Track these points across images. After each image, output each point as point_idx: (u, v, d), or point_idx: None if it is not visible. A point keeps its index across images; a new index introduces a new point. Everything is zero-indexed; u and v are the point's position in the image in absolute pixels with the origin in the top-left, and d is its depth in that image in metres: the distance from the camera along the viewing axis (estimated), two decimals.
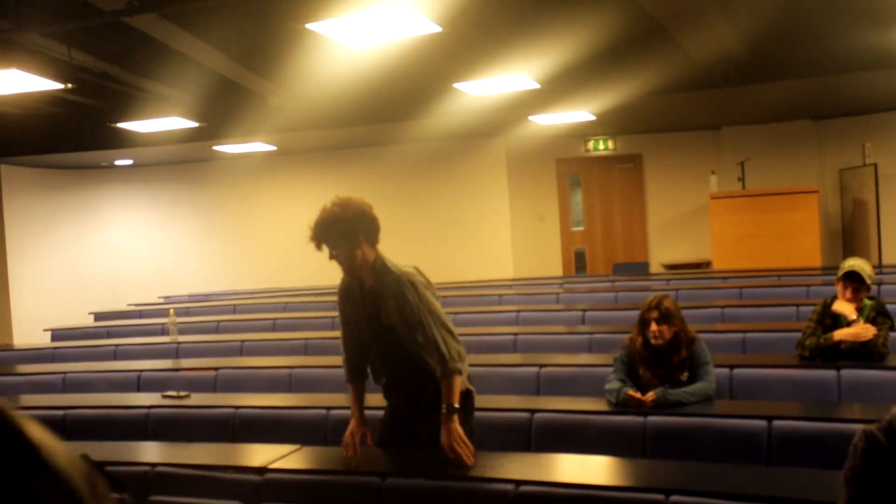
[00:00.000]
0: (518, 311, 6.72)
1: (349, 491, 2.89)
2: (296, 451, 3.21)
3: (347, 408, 3.25)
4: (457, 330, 3.05)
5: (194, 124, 8.65)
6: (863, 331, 3.83)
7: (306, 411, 3.93)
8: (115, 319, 9.03)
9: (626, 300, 6.96)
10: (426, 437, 3.03)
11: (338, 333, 3.27)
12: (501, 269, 11.29)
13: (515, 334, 5.61)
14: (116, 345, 6.60)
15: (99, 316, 9.47)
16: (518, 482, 2.65)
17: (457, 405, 2.86)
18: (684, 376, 3.57)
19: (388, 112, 9.16)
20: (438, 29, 5.22)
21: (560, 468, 2.99)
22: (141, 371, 5.33)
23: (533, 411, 3.56)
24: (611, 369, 3.68)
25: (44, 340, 8.03)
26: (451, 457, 2.82)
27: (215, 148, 10.71)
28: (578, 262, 11.79)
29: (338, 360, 3.29)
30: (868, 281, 3.90)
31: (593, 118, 9.35)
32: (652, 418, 3.35)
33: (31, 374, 5.77)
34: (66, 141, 10.18)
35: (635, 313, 3.75)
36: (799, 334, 4.07)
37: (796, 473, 2.74)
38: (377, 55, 6.45)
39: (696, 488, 2.48)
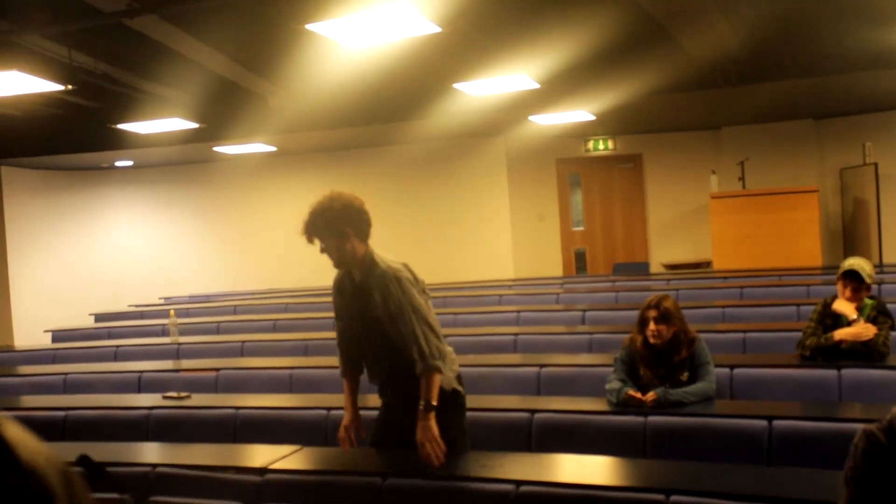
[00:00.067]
0: (518, 312, 6.72)
1: (350, 491, 2.89)
2: (296, 451, 3.21)
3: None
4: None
5: (194, 125, 8.66)
6: (863, 330, 3.82)
7: (307, 412, 3.93)
8: (116, 320, 9.03)
9: (627, 300, 6.96)
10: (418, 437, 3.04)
11: None
12: (501, 270, 11.29)
13: (516, 334, 5.61)
14: (117, 346, 6.60)
15: (99, 317, 9.48)
16: (518, 482, 2.65)
17: (434, 402, 2.88)
18: (685, 376, 3.57)
19: (388, 112, 9.16)
20: (438, 29, 5.22)
21: (560, 468, 2.99)
22: (142, 372, 5.33)
23: (533, 411, 3.56)
24: (611, 369, 3.68)
25: (44, 341, 8.04)
26: (420, 452, 2.85)
27: (215, 149, 10.71)
28: (579, 263, 11.79)
29: (338, 360, 3.30)
30: (868, 280, 3.89)
31: (593, 118, 9.35)
32: (652, 418, 3.35)
33: (31, 376, 5.77)
34: (66, 142, 10.18)
35: (636, 313, 3.75)
36: (799, 334, 4.07)
37: (797, 473, 2.74)
38: (377, 56, 6.45)
39: (696, 488, 2.48)
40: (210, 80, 7.71)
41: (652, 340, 3.59)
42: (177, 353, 6.24)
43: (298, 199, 3.10)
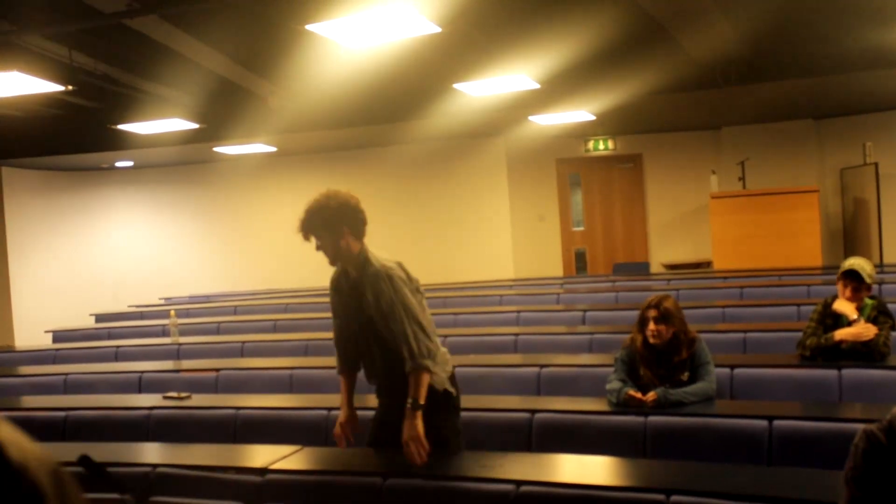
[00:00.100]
0: (518, 312, 6.72)
1: (350, 491, 2.89)
2: (297, 451, 3.21)
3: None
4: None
5: (194, 126, 8.66)
6: (864, 330, 3.82)
7: (307, 412, 3.93)
8: (116, 321, 9.03)
9: (627, 300, 6.96)
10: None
11: None
12: (502, 270, 11.29)
13: (516, 335, 5.61)
14: (117, 346, 6.61)
15: (100, 317, 9.48)
16: (519, 482, 2.65)
17: (422, 401, 2.91)
18: (685, 376, 3.57)
19: (389, 113, 9.17)
20: (438, 29, 5.22)
21: (561, 468, 2.99)
22: (142, 372, 5.33)
23: (533, 411, 3.56)
24: (611, 369, 3.68)
25: (45, 342, 8.04)
26: (404, 450, 2.88)
27: (216, 149, 10.71)
28: (579, 263, 11.79)
29: (336, 359, 3.31)
30: (868, 280, 3.89)
31: (593, 118, 9.35)
32: (652, 418, 3.35)
33: (32, 376, 5.77)
34: (66, 143, 10.19)
35: (636, 313, 3.75)
36: (800, 334, 4.07)
37: (797, 473, 2.74)
38: (377, 56, 6.45)
39: (696, 488, 2.48)
40: (210, 80, 7.71)
41: (651, 340, 3.59)
42: (177, 353, 6.24)
43: (299, 199, 3.12)
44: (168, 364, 5.71)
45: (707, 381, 3.54)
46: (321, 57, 6.39)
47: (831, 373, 3.81)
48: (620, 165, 11.66)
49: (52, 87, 6.37)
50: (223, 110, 8.83)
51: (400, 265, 3.06)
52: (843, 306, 3.92)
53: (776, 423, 3.12)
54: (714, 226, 9.63)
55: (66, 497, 0.85)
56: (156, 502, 2.92)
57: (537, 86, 7.27)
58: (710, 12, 6.45)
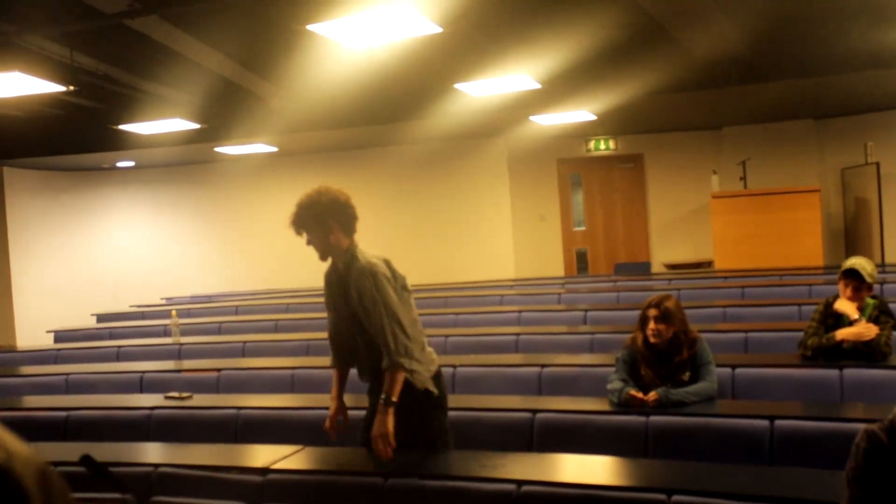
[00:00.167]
0: (520, 312, 6.72)
1: (351, 491, 2.90)
2: (298, 451, 3.21)
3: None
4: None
5: (196, 126, 8.66)
6: (865, 330, 3.82)
7: (308, 412, 3.93)
8: (118, 321, 9.04)
9: (628, 300, 6.96)
10: (404, 431, 3.09)
11: None
12: (503, 270, 11.29)
13: (517, 334, 5.61)
14: (119, 346, 6.61)
15: (101, 317, 9.49)
16: (520, 482, 2.65)
17: (394, 399, 2.96)
18: (686, 376, 3.57)
19: (389, 113, 9.17)
20: (439, 30, 5.22)
21: (562, 468, 2.99)
22: (143, 372, 5.34)
23: (535, 411, 3.56)
24: (612, 369, 3.68)
25: (47, 342, 8.05)
26: (373, 446, 2.95)
27: (217, 149, 10.72)
28: (580, 263, 11.79)
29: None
30: (869, 280, 3.89)
31: (594, 118, 9.35)
32: (654, 418, 3.35)
33: (34, 376, 5.77)
34: (68, 143, 10.19)
35: (637, 313, 3.75)
36: (801, 334, 4.06)
37: (798, 473, 2.73)
38: (378, 56, 6.45)
39: (697, 488, 2.48)
40: (211, 80, 7.72)
41: (652, 340, 3.59)
42: (178, 353, 6.24)
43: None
44: (169, 364, 5.71)
45: (708, 381, 3.54)
46: (322, 57, 6.39)
47: (833, 373, 3.80)
48: (621, 165, 11.65)
49: (53, 87, 6.37)
50: (224, 110, 8.83)
51: (387, 263, 3.10)
52: (845, 306, 3.92)
53: (777, 422, 3.12)
54: (715, 226, 9.63)
55: (51, 497, 0.84)
56: (157, 502, 2.92)
57: (538, 86, 7.27)
58: (711, 12, 6.45)
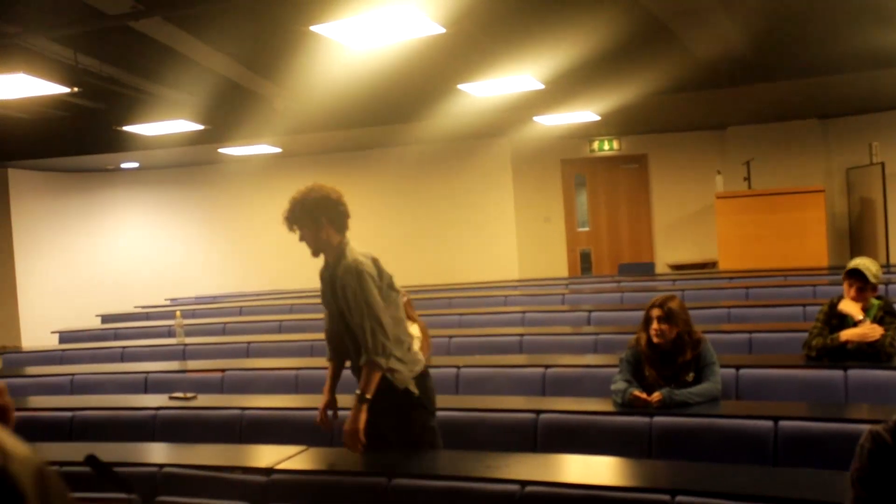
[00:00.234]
0: (524, 312, 6.72)
1: (355, 491, 2.90)
2: (302, 451, 3.22)
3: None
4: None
5: (199, 127, 8.68)
6: (870, 331, 3.81)
7: (312, 412, 3.90)
8: (122, 321, 9.06)
9: (632, 301, 6.96)
10: (388, 430, 3.15)
11: None
12: (507, 271, 11.29)
13: (521, 335, 5.61)
14: (124, 347, 6.63)
15: (106, 318, 9.51)
16: (524, 483, 2.65)
17: (368, 396, 3.03)
18: (690, 377, 3.56)
19: (393, 114, 9.17)
20: (442, 30, 5.22)
21: (566, 469, 2.99)
22: (148, 373, 5.35)
23: (538, 412, 3.57)
24: (616, 370, 3.68)
25: (52, 342, 8.07)
26: (343, 440, 3.03)
27: (220, 150, 10.74)
28: (584, 263, 11.78)
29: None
30: (873, 280, 3.88)
31: (598, 118, 9.35)
32: (658, 419, 3.34)
33: (39, 376, 5.79)
34: (72, 144, 10.22)
35: (641, 314, 3.75)
36: (805, 334, 4.06)
37: (803, 474, 2.73)
38: (381, 57, 6.46)
39: (701, 489, 2.48)
40: (215, 81, 7.73)
41: (655, 340, 3.58)
42: (183, 353, 6.25)
43: None
44: (174, 364, 5.73)
45: (712, 382, 3.53)
46: (326, 58, 6.40)
47: (837, 373, 3.80)
48: (625, 166, 11.64)
49: (57, 88, 6.39)
50: (228, 112, 8.85)
51: (374, 261, 3.14)
52: (849, 307, 3.91)
53: (782, 423, 3.12)
54: (719, 226, 9.61)
55: (48, 498, 0.84)
56: (162, 502, 2.93)
57: (542, 86, 7.27)
58: (715, 12, 6.44)
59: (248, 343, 6.29)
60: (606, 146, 11.58)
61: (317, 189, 3.13)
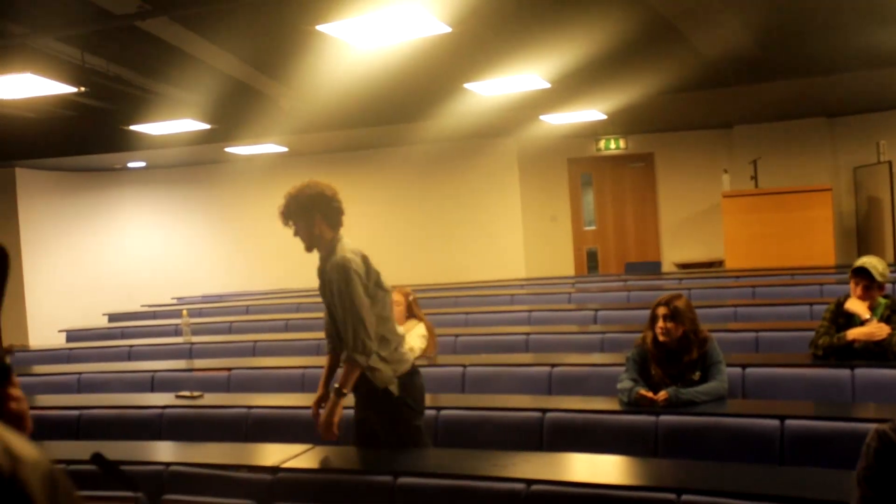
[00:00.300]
0: (530, 311, 6.72)
1: (361, 490, 2.90)
2: (308, 450, 3.22)
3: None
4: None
5: (206, 126, 8.70)
6: (877, 330, 3.80)
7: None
8: (129, 320, 9.09)
9: (639, 300, 6.94)
10: (379, 426, 3.18)
11: None
12: (513, 269, 11.28)
13: (527, 334, 5.61)
14: (130, 345, 6.65)
15: (113, 317, 9.54)
16: (530, 481, 2.65)
17: (345, 391, 3.09)
18: (696, 375, 3.56)
19: (399, 113, 9.18)
20: (449, 29, 5.22)
21: (572, 467, 2.99)
22: (155, 371, 5.36)
23: (545, 411, 3.56)
24: (623, 369, 3.68)
25: (59, 341, 8.10)
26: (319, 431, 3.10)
27: (227, 150, 10.76)
28: (590, 262, 11.77)
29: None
30: (880, 279, 3.86)
31: (605, 117, 9.34)
32: (664, 418, 3.34)
33: (46, 375, 5.82)
34: (79, 144, 10.26)
35: (648, 313, 3.74)
36: (812, 333, 4.05)
37: (809, 473, 2.73)
38: (388, 56, 6.46)
39: (707, 488, 2.48)
40: (221, 81, 7.75)
41: (661, 338, 3.58)
42: (189, 352, 6.27)
43: None
44: (180, 363, 5.74)
45: (718, 381, 3.53)
46: (332, 57, 6.41)
47: (844, 372, 3.79)
48: (632, 164, 11.63)
49: (64, 88, 6.42)
50: (234, 111, 8.87)
51: (364, 258, 3.16)
52: (856, 306, 3.90)
53: (788, 422, 3.11)
54: (726, 225, 9.59)
55: (57, 500, 0.85)
56: (169, 500, 2.94)
57: (548, 85, 7.26)
58: (721, 11, 6.42)
59: (255, 342, 6.30)
60: (613, 145, 11.56)
61: (312, 185, 3.16)
